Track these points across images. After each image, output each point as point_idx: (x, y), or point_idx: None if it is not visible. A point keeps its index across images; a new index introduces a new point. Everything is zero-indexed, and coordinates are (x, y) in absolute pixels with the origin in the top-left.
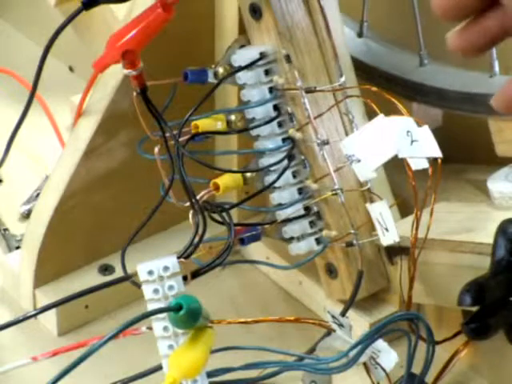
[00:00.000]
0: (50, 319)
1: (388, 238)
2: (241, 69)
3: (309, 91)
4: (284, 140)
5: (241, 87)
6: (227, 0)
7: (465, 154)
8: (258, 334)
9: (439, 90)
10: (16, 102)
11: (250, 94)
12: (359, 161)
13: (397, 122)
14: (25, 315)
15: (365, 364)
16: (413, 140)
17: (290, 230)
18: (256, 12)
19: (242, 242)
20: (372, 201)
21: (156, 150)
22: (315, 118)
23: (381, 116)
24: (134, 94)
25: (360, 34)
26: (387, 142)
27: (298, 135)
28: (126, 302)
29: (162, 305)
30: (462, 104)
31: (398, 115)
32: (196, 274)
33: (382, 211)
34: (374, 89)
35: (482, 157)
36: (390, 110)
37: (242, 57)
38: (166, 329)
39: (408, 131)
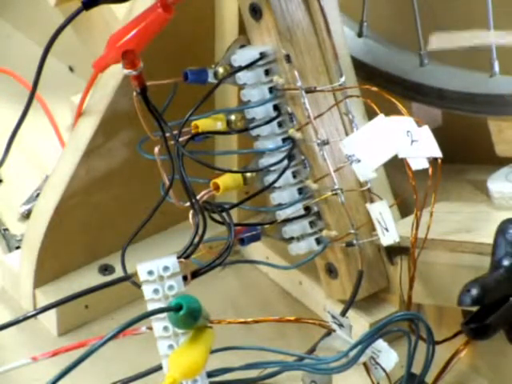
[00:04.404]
0: (50, 319)
1: (388, 238)
2: (241, 69)
3: (309, 91)
4: (284, 140)
5: (241, 87)
6: (227, 0)
7: (465, 154)
8: (258, 334)
9: (439, 90)
10: (16, 102)
11: (250, 93)
12: (359, 161)
13: (397, 122)
14: (25, 315)
15: (365, 364)
16: (413, 140)
17: (290, 230)
18: (256, 12)
19: (242, 242)
20: (372, 201)
21: (156, 149)
22: (315, 118)
23: (381, 116)
24: (134, 94)
25: (360, 34)
26: (387, 142)
27: (298, 135)
28: (126, 301)
29: (162, 305)
30: (462, 104)
31: (398, 115)
32: (196, 274)
33: (382, 211)
34: (374, 89)
35: (482, 157)
36: (390, 110)
37: (241, 57)
38: (166, 329)
39: (408, 131)
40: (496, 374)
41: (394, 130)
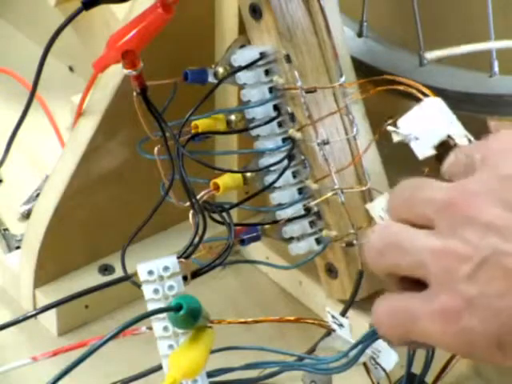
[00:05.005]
0: (49, 319)
1: None
2: (241, 69)
3: (309, 91)
4: (284, 140)
5: (241, 87)
6: (227, 0)
7: None
8: (258, 334)
9: (439, 90)
10: (16, 102)
11: (250, 94)
12: (417, 139)
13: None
14: (25, 315)
15: (365, 364)
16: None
17: (290, 230)
18: (256, 12)
19: (242, 242)
20: (372, 201)
21: (156, 149)
22: (316, 121)
23: (428, 98)
24: (134, 94)
25: (360, 34)
26: (441, 120)
27: (298, 135)
28: (126, 301)
29: (162, 305)
30: (462, 104)
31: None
32: (196, 274)
33: (384, 206)
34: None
35: None
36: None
37: (242, 57)
38: (166, 329)
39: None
40: (496, 375)
41: (444, 110)
